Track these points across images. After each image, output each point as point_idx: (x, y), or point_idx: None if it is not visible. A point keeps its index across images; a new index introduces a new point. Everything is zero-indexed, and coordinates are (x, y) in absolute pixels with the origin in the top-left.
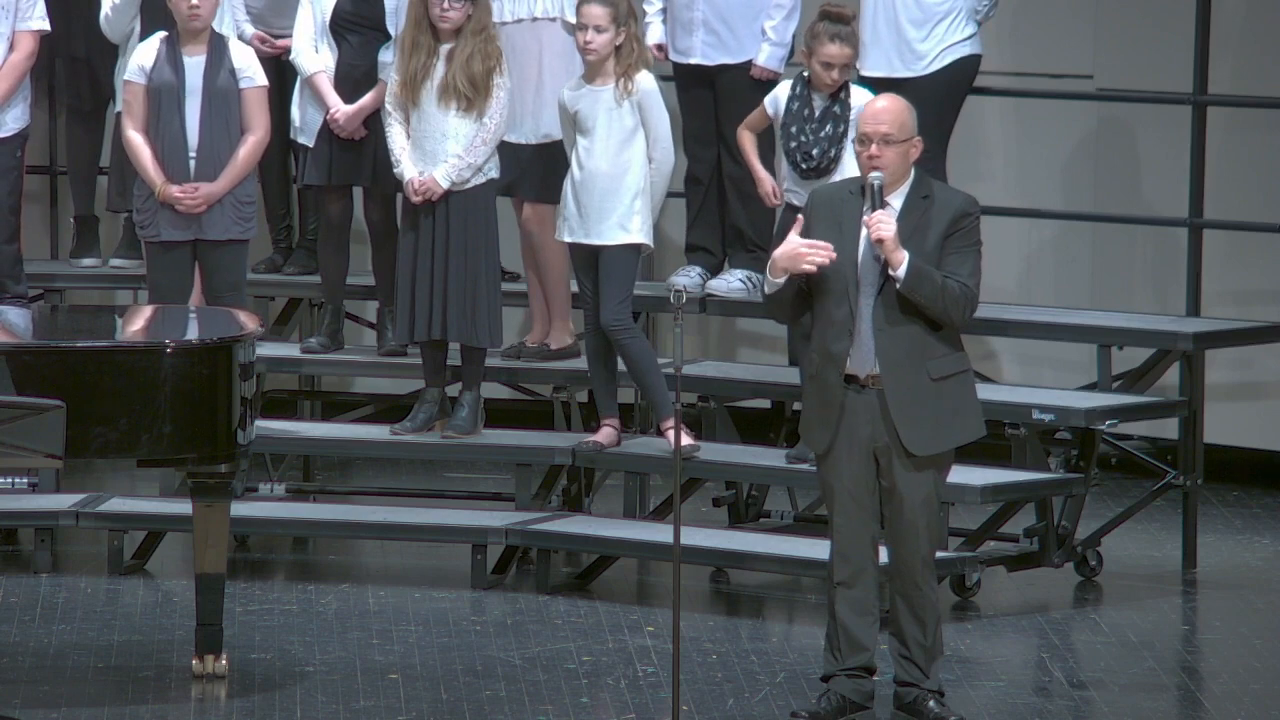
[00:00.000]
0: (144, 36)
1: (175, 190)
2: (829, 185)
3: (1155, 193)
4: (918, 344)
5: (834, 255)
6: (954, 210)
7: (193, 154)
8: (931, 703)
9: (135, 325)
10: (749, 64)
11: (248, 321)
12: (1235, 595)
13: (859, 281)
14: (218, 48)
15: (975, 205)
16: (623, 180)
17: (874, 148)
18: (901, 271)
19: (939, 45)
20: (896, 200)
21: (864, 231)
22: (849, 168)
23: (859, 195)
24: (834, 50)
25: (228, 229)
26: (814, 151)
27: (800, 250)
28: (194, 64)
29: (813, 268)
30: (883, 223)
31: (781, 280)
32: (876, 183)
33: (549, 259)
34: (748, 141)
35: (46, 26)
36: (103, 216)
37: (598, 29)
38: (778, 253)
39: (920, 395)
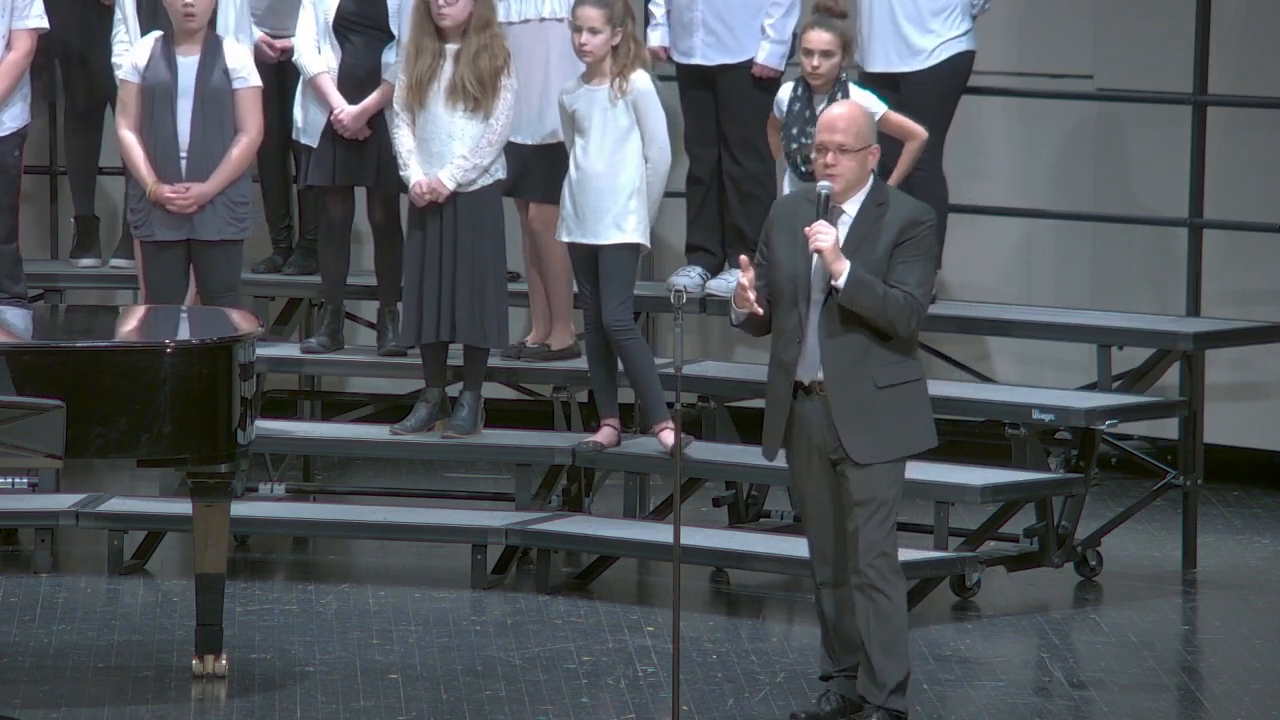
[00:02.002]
0: None
1: (167, 190)
2: (791, 194)
3: (1155, 193)
4: (863, 352)
5: (759, 310)
6: (904, 218)
7: (184, 154)
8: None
9: (127, 326)
10: (749, 63)
11: (241, 321)
12: (1235, 595)
13: (809, 289)
14: (212, 48)
15: (929, 214)
16: (617, 180)
17: (829, 156)
18: (841, 281)
19: (936, 41)
20: (851, 207)
21: None
22: None
23: (814, 203)
24: (812, 35)
25: (220, 229)
26: (813, 154)
27: (739, 296)
28: (188, 64)
29: (756, 310)
30: (821, 233)
31: (745, 312)
32: (824, 192)
33: (552, 259)
34: (776, 140)
35: (44, 25)
36: (103, 216)
37: (592, 30)
38: (734, 295)
39: (864, 403)
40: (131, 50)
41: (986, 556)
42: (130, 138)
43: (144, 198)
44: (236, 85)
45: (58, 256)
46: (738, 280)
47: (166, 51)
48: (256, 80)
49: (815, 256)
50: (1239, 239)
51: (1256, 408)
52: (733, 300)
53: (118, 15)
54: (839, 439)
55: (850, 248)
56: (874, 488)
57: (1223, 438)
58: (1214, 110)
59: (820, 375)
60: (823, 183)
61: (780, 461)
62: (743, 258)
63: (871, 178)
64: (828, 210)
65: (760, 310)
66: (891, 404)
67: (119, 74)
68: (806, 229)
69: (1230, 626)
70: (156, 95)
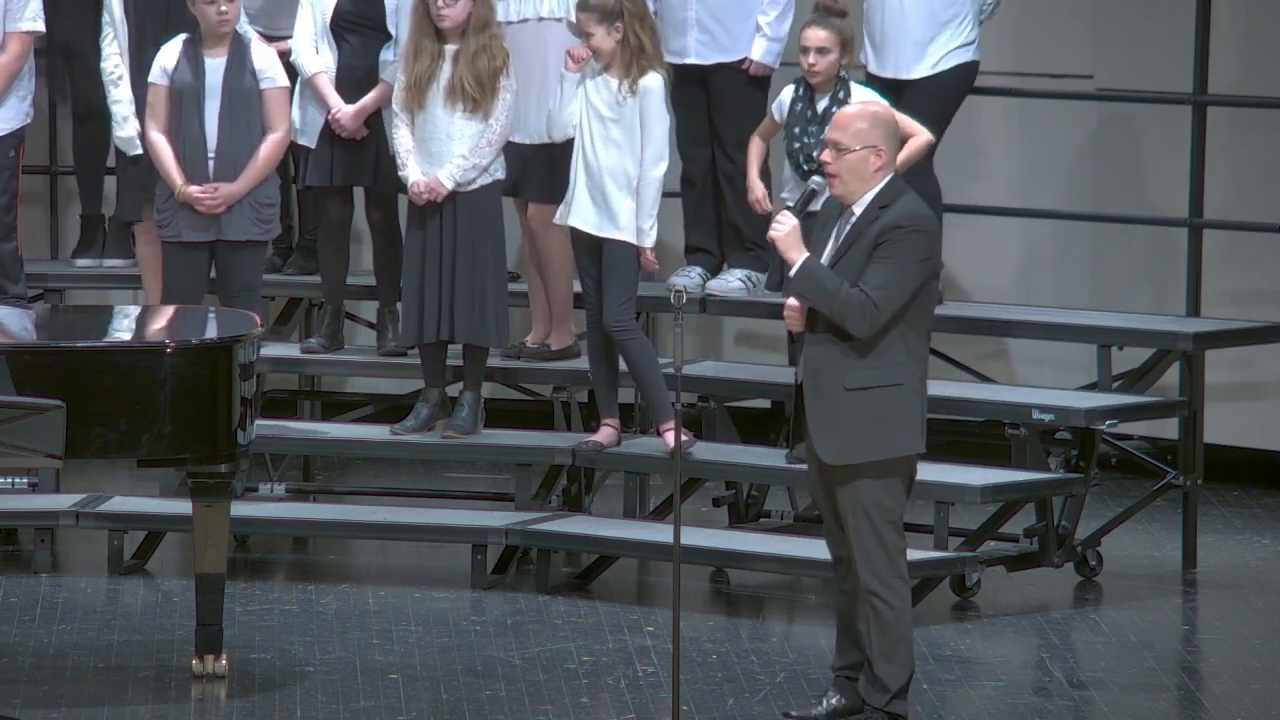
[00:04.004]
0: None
1: (195, 190)
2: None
3: (1155, 193)
4: (834, 352)
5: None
6: (888, 222)
7: (211, 155)
8: None
9: (156, 325)
10: (743, 63)
11: (260, 321)
12: (1235, 595)
13: None
14: (239, 49)
15: (913, 220)
16: (614, 174)
17: (826, 154)
18: (792, 272)
19: (945, 48)
20: (859, 208)
21: (832, 240)
22: None
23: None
24: (809, 33)
25: (247, 230)
26: (814, 154)
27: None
28: (215, 65)
29: (796, 328)
30: (778, 223)
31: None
32: (812, 185)
33: (552, 259)
34: (755, 150)
35: (40, 27)
36: (107, 215)
37: (588, 35)
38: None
39: (833, 404)
40: (160, 53)
41: (986, 556)
42: (160, 139)
43: (170, 198)
44: (264, 86)
45: (58, 256)
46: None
47: (193, 53)
48: (284, 80)
49: (826, 255)
50: (1239, 239)
51: (1256, 408)
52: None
53: (105, 19)
54: (811, 439)
55: (844, 248)
56: (856, 492)
57: (1223, 438)
58: (1214, 110)
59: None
60: (815, 177)
61: (780, 461)
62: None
63: (885, 180)
64: (807, 203)
65: (798, 329)
66: (861, 407)
67: (149, 77)
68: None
69: (1230, 626)
70: (184, 97)
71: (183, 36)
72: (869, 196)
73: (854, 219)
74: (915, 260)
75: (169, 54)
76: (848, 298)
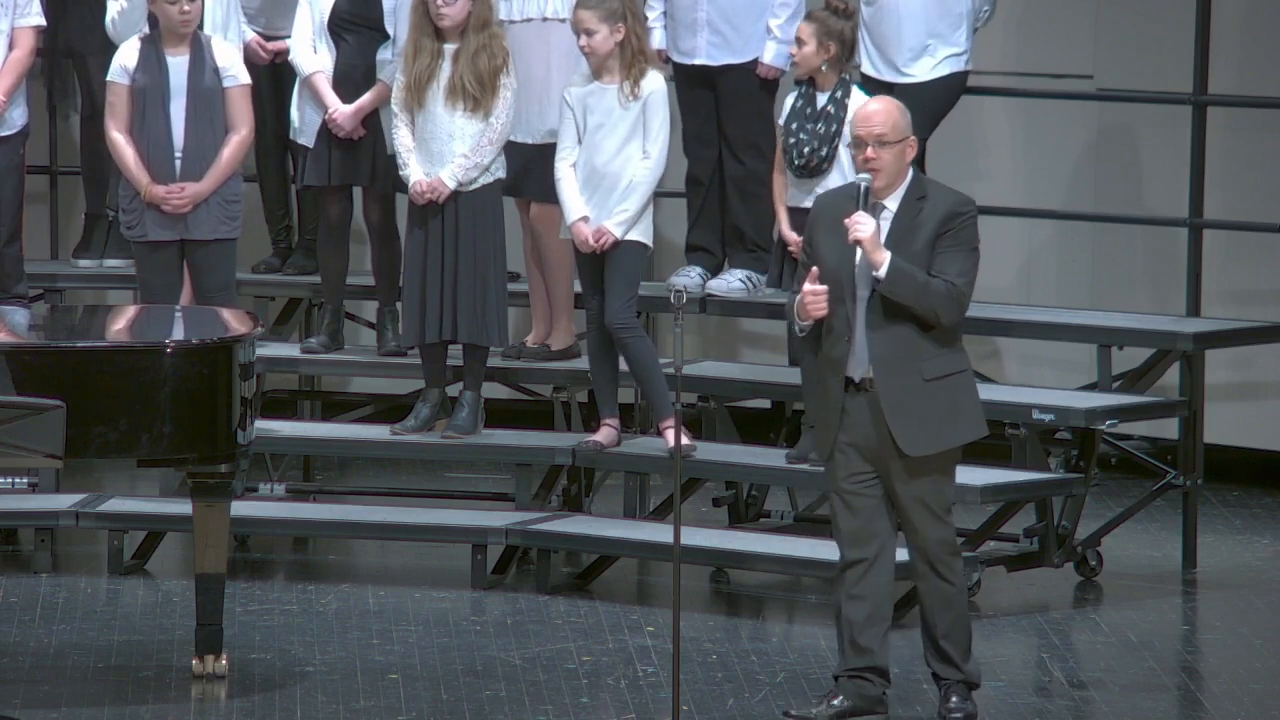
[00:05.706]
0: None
1: (161, 190)
2: (833, 191)
3: (1155, 193)
4: (910, 345)
5: (823, 308)
6: (945, 210)
7: (178, 154)
8: (955, 698)
9: (118, 325)
10: (753, 64)
11: (232, 320)
12: (1235, 595)
13: (855, 285)
14: (200, 47)
15: (968, 205)
16: (613, 177)
17: (869, 150)
18: (882, 272)
19: (939, 55)
20: (893, 202)
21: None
22: (846, 170)
23: (855, 199)
24: (801, 24)
25: (214, 228)
26: (806, 150)
27: (805, 300)
28: (177, 64)
29: (823, 312)
30: (860, 224)
31: (809, 323)
32: (864, 184)
33: (553, 259)
34: (779, 186)
35: (43, 22)
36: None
37: (588, 32)
38: (798, 302)
39: (913, 396)
40: (118, 52)
41: (986, 556)
42: (121, 139)
43: (136, 198)
44: (227, 84)
45: (58, 256)
46: (805, 289)
47: (155, 52)
48: (246, 78)
49: (859, 251)
50: (1239, 239)
51: (1256, 408)
52: (796, 311)
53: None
54: (890, 433)
55: (891, 242)
56: (928, 481)
57: (1223, 438)
58: (1214, 110)
59: (870, 371)
60: (863, 175)
61: (780, 461)
62: (814, 269)
63: (911, 171)
64: (868, 203)
65: (824, 314)
66: (940, 396)
67: (109, 76)
68: (847, 220)
69: (1230, 626)
70: (148, 96)
71: (140, 34)
72: (902, 189)
73: (889, 213)
74: (974, 246)
75: (128, 53)
76: (938, 288)
